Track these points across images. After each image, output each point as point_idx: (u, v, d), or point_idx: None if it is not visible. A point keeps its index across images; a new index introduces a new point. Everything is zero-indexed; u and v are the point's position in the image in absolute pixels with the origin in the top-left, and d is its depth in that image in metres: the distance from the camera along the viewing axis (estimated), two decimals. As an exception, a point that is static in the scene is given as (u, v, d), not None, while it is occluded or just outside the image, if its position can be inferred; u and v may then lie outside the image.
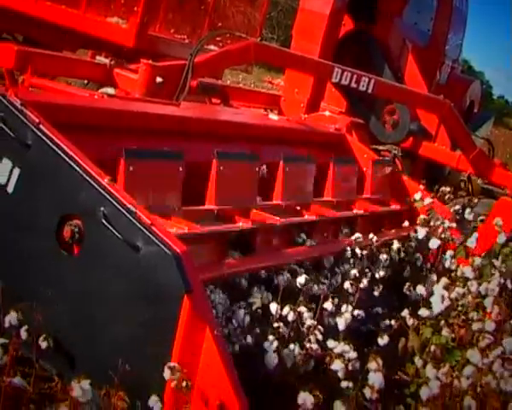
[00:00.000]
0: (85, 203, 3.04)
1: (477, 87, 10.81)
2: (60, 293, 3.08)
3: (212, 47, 6.81)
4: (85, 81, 6.33)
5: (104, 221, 2.93)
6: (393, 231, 5.59)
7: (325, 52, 7.42)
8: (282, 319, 3.43)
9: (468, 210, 5.82)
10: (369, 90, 6.39)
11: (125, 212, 2.93)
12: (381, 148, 8.53)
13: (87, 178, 3.03)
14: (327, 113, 7.37)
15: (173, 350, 2.81)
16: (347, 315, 3.63)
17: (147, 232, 2.87)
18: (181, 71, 5.36)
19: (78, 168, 3.06)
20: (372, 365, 3.16)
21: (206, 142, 4.50)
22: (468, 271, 4.46)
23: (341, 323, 3.60)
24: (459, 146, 7.61)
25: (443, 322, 4.05)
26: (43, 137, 3.15)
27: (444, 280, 4.27)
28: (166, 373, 2.70)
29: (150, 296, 2.89)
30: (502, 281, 4.42)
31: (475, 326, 3.92)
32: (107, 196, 2.98)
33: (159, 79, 5.25)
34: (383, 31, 8.75)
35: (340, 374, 3.22)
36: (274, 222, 4.15)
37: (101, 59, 5.70)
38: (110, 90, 5.68)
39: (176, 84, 5.33)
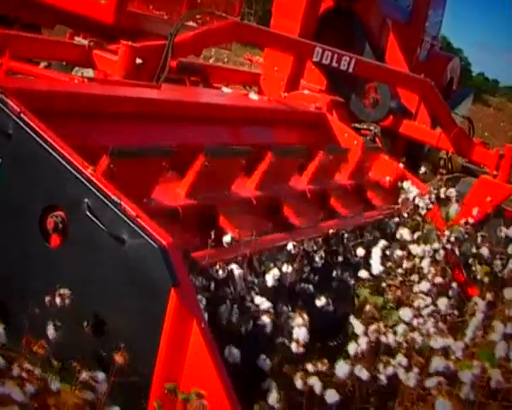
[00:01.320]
0: (69, 195, 2.99)
1: (456, 64, 10.84)
2: (42, 285, 3.04)
3: (191, 24, 6.74)
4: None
5: (88, 213, 2.89)
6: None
7: (305, 30, 7.36)
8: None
9: (443, 189, 5.79)
10: (350, 70, 6.38)
11: (109, 204, 2.89)
12: (360, 126, 8.54)
13: (70, 168, 2.97)
14: (307, 91, 7.34)
15: (160, 343, 2.78)
16: (275, 271, 3.63)
17: (132, 224, 2.83)
18: (161, 51, 5.31)
19: (60, 159, 3.00)
20: (298, 320, 3.27)
21: (190, 124, 4.48)
22: (405, 233, 4.60)
23: (269, 279, 3.61)
24: (440, 124, 7.62)
25: (383, 284, 4.24)
26: (25, 127, 3.08)
27: (382, 242, 4.37)
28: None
29: (136, 289, 2.85)
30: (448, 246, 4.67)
31: (416, 288, 4.12)
32: (91, 188, 2.93)
33: (138, 61, 5.19)
34: (363, 7, 8.71)
35: (268, 329, 3.30)
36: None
37: (80, 40, 5.61)
38: (88, 72, 5.62)
39: (156, 64, 5.28)
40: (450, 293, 4.39)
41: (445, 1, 10.70)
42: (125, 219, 2.85)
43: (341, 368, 3.08)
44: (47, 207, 3.03)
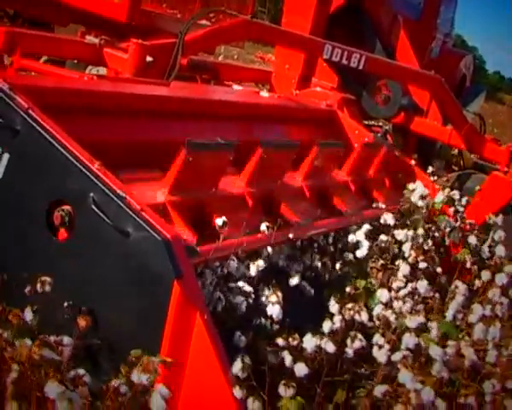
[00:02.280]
0: (75, 189, 3.04)
1: (469, 61, 10.80)
2: (50, 279, 3.09)
3: (204, 22, 6.78)
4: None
5: (94, 207, 2.94)
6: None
7: (316, 27, 7.36)
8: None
9: (446, 190, 5.83)
10: (360, 67, 6.37)
11: (114, 198, 2.94)
12: (372, 123, 8.54)
13: (77, 163, 3.03)
14: (318, 88, 7.37)
15: (164, 335, 2.83)
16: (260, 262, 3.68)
17: (137, 218, 2.88)
18: (171, 49, 5.34)
19: (67, 154, 3.05)
20: (272, 297, 3.39)
21: (198, 122, 4.52)
22: (389, 218, 4.69)
23: (253, 270, 3.65)
24: (450, 121, 7.61)
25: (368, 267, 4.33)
26: (33, 123, 3.13)
27: (365, 227, 4.47)
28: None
29: (140, 282, 2.90)
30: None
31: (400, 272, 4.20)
32: (97, 182, 2.98)
33: (149, 59, 5.23)
34: (374, 5, 8.71)
35: (243, 307, 3.37)
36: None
37: (91, 38, 5.66)
38: (101, 71, 5.68)
39: (166, 62, 5.32)
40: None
41: (457, -3, 10.70)
42: (130, 212, 2.89)
43: (308, 342, 3.12)
44: (54, 201, 3.09)
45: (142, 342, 2.82)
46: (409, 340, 3.33)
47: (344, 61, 6.31)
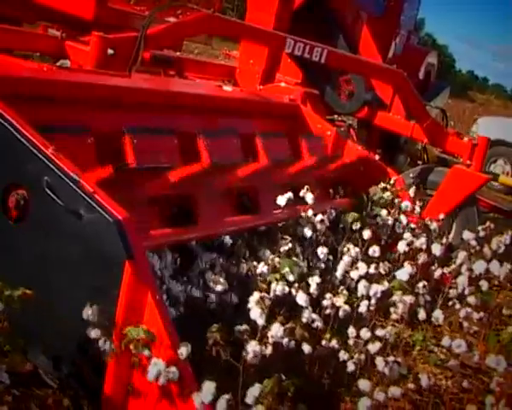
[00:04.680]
0: (30, 173, 3.09)
1: (433, 58, 10.89)
2: (5, 262, 3.14)
3: (171, 19, 6.80)
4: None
5: (47, 189, 2.98)
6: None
7: (279, 23, 7.40)
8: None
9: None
10: (322, 60, 6.43)
11: (68, 180, 2.99)
12: (336, 118, 8.61)
13: (31, 147, 3.08)
14: (282, 84, 7.42)
15: (116, 314, 2.88)
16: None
17: (89, 200, 2.93)
18: (133, 43, 5.35)
19: (22, 139, 3.10)
20: None
21: (155, 113, 4.55)
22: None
23: None
24: (413, 116, 7.69)
25: None
26: (-13, 109, 3.19)
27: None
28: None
29: (93, 263, 2.95)
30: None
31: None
32: (51, 166, 3.02)
33: (110, 51, 5.26)
34: (337, 1, 8.77)
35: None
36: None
37: (53, 32, 5.68)
38: (66, 63, 5.69)
39: (128, 56, 5.33)
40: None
41: (420, -6, 10.77)
42: (83, 194, 2.94)
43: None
44: (9, 185, 3.14)
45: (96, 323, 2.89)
46: (375, 289, 3.81)
47: (306, 55, 6.36)
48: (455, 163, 7.38)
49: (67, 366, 3.08)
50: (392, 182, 5.83)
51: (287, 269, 3.56)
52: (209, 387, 2.68)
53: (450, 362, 3.68)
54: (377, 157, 6.51)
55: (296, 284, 3.65)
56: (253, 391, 2.79)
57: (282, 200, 4.47)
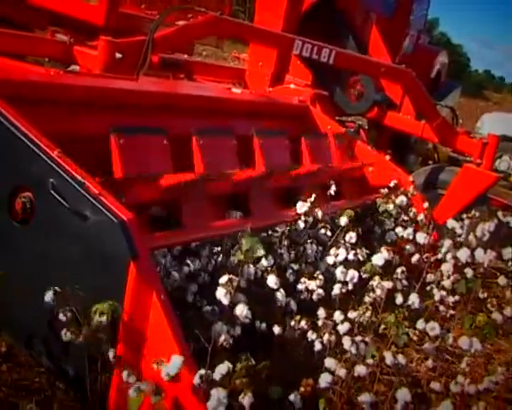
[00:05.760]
0: (36, 175, 3.12)
1: (444, 57, 10.89)
2: (12, 264, 3.16)
3: (181, 23, 6.81)
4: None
5: (53, 192, 3.01)
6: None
7: (288, 25, 7.40)
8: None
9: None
10: (331, 62, 6.43)
11: (73, 183, 3.01)
12: (346, 119, 8.61)
13: (37, 150, 3.10)
14: (292, 85, 7.44)
15: (122, 315, 2.90)
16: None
17: (94, 202, 2.96)
18: (141, 46, 5.37)
19: (28, 142, 3.13)
20: None
21: (165, 115, 4.58)
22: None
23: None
24: (423, 115, 7.68)
25: None
26: (-6, 113, 3.22)
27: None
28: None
29: (99, 264, 2.98)
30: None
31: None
32: (57, 168, 3.05)
33: (118, 55, 5.28)
34: (347, 2, 8.78)
35: None
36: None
37: (61, 37, 5.72)
38: (77, 69, 5.72)
39: (136, 59, 5.35)
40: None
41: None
42: (88, 196, 2.97)
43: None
44: (15, 188, 3.17)
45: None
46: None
47: (314, 56, 6.36)
48: (466, 162, 7.36)
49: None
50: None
51: (249, 246, 3.57)
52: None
53: (425, 345, 3.74)
54: (388, 157, 6.50)
55: (268, 268, 3.76)
56: (221, 369, 2.81)
57: (301, 207, 4.48)
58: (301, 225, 4.45)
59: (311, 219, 4.52)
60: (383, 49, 8.91)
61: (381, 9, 9.52)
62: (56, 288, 2.93)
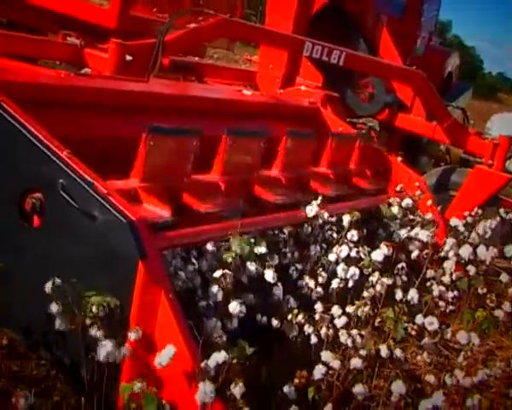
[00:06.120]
0: (45, 176, 3.15)
1: (455, 58, 10.88)
2: (22, 263, 3.19)
3: (193, 25, 6.83)
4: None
5: (62, 192, 3.04)
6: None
7: (298, 27, 7.43)
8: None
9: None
10: (341, 63, 6.43)
11: (82, 183, 3.04)
12: (357, 120, 8.61)
13: (46, 151, 3.13)
14: (302, 87, 7.45)
15: (131, 313, 2.92)
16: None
17: (103, 202, 2.98)
18: (151, 49, 5.40)
19: (38, 143, 3.16)
20: None
21: (174, 117, 4.59)
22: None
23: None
24: (434, 116, 7.68)
25: None
26: (5, 115, 3.24)
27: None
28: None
29: (108, 263, 3.00)
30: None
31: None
32: (66, 169, 3.08)
33: (129, 58, 5.31)
34: (357, 4, 8.78)
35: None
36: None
37: (72, 40, 5.74)
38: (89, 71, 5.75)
39: (146, 62, 5.38)
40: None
41: (440, -5, 10.74)
42: (97, 196, 2.99)
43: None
44: (26, 189, 3.20)
45: (110, 322, 2.93)
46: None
47: (324, 58, 6.37)
48: (477, 164, 7.35)
49: None
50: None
51: (237, 245, 3.58)
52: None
53: (424, 340, 3.79)
54: (399, 159, 6.50)
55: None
56: (217, 357, 2.84)
57: (311, 210, 4.50)
58: (309, 229, 4.47)
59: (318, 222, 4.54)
60: (394, 52, 8.89)
61: (392, 11, 9.51)
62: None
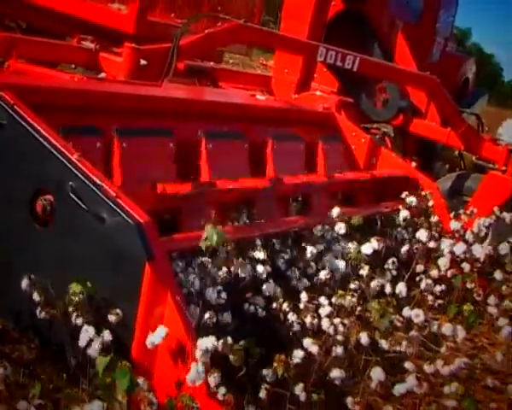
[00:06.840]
0: (56, 179, 3.19)
1: (472, 65, 10.85)
2: (33, 265, 3.24)
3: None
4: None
5: (71, 194, 3.08)
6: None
7: (313, 33, 7.44)
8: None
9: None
10: (355, 69, 6.44)
11: (91, 185, 3.08)
12: (371, 126, 8.62)
13: (57, 154, 3.18)
14: (317, 92, 7.48)
15: (137, 315, 2.96)
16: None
17: (111, 204, 3.02)
18: (165, 53, 5.44)
19: (48, 146, 3.21)
20: None
21: (187, 122, 4.64)
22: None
23: None
24: (448, 122, 7.69)
25: None
26: (17, 118, 3.30)
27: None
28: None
29: (116, 265, 3.04)
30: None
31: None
32: (75, 171, 3.13)
33: (143, 62, 5.35)
34: (373, 10, 8.78)
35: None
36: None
37: (87, 44, 5.81)
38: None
39: (161, 66, 5.41)
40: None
41: (457, 1, 10.70)
42: (106, 199, 3.04)
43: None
44: (37, 191, 3.25)
45: (117, 323, 2.98)
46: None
47: (338, 63, 6.38)
48: (491, 169, 7.35)
49: None
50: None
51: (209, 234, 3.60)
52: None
53: (411, 332, 3.77)
54: (414, 164, 6.50)
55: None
56: (205, 342, 2.87)
57: (334, 212, 4.55)
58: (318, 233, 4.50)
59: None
60: (409, 57, 8.90)
61: (407, 16, 9.51)
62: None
